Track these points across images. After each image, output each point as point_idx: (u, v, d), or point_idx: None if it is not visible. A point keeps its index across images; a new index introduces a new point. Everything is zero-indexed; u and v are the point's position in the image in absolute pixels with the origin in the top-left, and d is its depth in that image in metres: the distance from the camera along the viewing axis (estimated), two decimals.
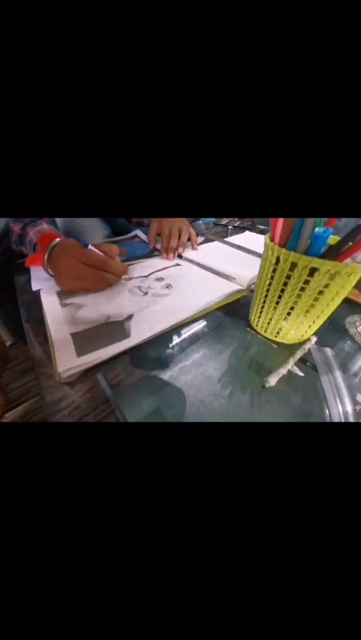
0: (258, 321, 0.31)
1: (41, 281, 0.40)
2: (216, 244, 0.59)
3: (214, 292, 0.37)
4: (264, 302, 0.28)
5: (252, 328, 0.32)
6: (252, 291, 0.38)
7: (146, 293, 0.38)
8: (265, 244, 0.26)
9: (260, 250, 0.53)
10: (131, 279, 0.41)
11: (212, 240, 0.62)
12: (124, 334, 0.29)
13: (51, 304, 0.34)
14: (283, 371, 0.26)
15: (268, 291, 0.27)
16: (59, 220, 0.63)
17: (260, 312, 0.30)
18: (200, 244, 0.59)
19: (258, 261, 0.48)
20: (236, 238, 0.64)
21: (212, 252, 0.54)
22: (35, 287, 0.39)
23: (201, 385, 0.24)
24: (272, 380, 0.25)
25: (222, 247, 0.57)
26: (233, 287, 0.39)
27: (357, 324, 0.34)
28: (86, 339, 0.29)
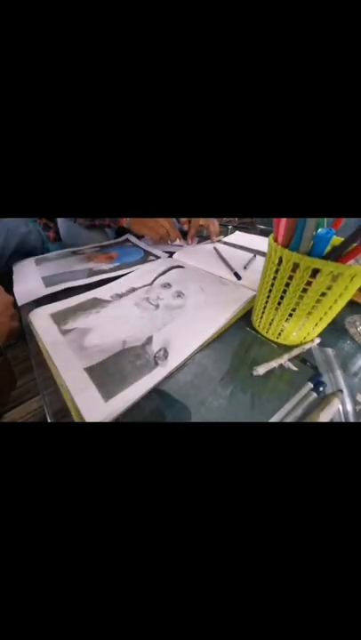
0: (260, 321, 0.31)
1: (26, 290, 0.35)
2: (213, 244, 0.57)
3: (234, 298, 0.35)
4: (266, 303, 0.28)
5: (254, 329, 0.32)
6: None
7: (157, 306, 0.33)
8: (268, 243, 0.26)
9: (258, 248, 0.52)
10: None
11: (208, 240, 0.61)
12: (150, 363, 0.25)
13: (48, 333, 0.28)
14: (274, 363, 0.26)
15: (270, 291, 0.27)
16: (60, 220, 0.62)
17: (263, 313, 0.29)
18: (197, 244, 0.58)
19: (260, 261, 0.48)
20: (231, 238, 0.62)
21: (208, 252, 0.52)
22: (20, 299, 0.34)
23: (201, 385, 0.24)
24: (260, 370, 0.25)
25: (220, 247, 0.56)
26: (248, 293, 0.36)
27: (357, 323, 0.34)
28: (107, 374, 0.23)
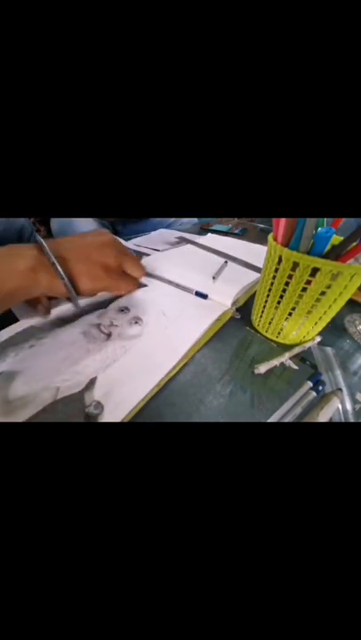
0: (259, 320, 0.31)
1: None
2: (186, 248, 0.52)
3: (198, 321, 0.30)
4: (266, 302, 0.28)
5: (253, 327, 0.32)
6: (238, 309, 0.34)
7: (109, 335, 0.27)
8: (268, 242, 0.26)
9: (230, 253, 0.50)
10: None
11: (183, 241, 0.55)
12: (87, 419, 0.19)
13: None
14: (275, 362, 0.26)
15: (270, 290, 0.27)
16: (54, 221, 0.62)
17: (262, 312, 0.29)
18: (167, 249, 0.51)
19: (237, 270, 0.45)
20: (205, 240, 0.57)
21: (179, 258, 0.46)
22: None
23: (200, 384, 0.24)
24: (262, 368, 0.26)
25: (191, 251, 0.51)
26: (218, 310, 0.32)
27: (357, 322, 0.34)
28: None
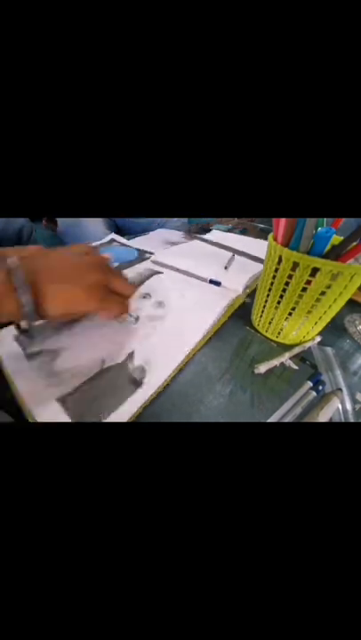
0: (259, 320, 0.31)
1: None
2: (195, 243, 0.55)
3: (214, 304, 0.33)
4: (266, 302, 0.28)
5: (254, 327, 0.32)
6: (248, 295, 0.37)
7: (137, 318, 0.31)
8: (268, 242, 0.26)
9: (236, 247, 0.53)
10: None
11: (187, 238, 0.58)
12: (134, 382, 0.23)
13: (11, 358, 0.24)
14: (275, 362, 0.26)
15: (270, 290, 0.27)
16: (60, 221, 0.63)
17: (262, 311, 0.30)
18: (177, 244, 0.54)
19: (244, 261, 0.47)
20: (210, 236, 0.60)
21: (188, 252, 0.50)
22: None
23: (200, 383, 0.24)
24: (262, 368, 0.26)
25: (200, 246, 0.54)
26: (230, 295, 0.36)
27: (357, 322, 0.34)
28: (84, 402, 0.21)
